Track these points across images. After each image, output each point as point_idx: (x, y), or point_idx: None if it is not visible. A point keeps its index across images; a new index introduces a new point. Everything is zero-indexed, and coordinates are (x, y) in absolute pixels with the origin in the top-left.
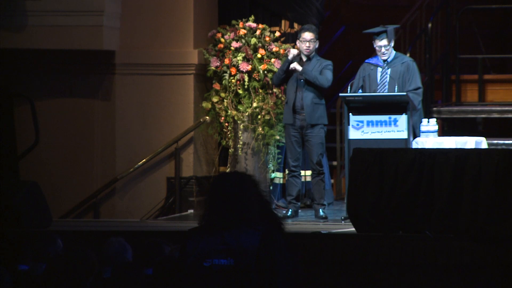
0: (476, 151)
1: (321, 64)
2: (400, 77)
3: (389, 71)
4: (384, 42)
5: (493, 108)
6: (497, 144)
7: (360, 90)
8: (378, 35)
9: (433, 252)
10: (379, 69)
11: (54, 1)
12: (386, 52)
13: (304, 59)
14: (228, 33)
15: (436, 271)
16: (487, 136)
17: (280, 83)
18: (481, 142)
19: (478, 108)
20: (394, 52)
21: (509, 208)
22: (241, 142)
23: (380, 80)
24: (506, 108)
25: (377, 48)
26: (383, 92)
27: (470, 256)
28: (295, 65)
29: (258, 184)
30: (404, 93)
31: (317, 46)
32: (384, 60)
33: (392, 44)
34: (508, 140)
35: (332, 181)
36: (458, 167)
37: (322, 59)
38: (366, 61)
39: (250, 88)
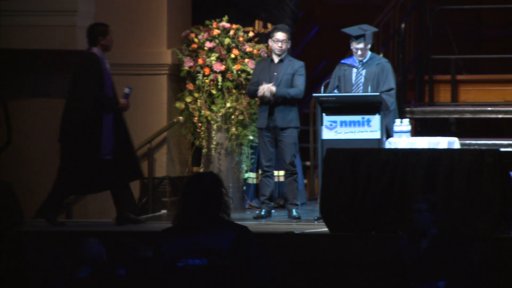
0: (448, 151)
1: (293, 66)
2: (374, 78)
3: (364, 71)
4: (361, 45)
5: (466, 109)
6: (469, 144)
7: (335, 90)
8: (356, 38)
9: None
10: (354, 70)
11: (27, 1)
12: (361, 54)
13: (276, 59)
14: (202, 33)
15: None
16: (459, 136)
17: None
18: (454, 142)
19: (451, 109)
20: (369, 53)
21: (481, 207)
22: (214, 142)
23: (354, 80)
24: (479, 109)
25: (353, 50)
26: (357, 92)
27: None
28: (266, 94)
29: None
30: (378, 94)
31: (289, 46)
32: (360, 61)
33: (369, 46)
34: (481, 140)
35: (305, 181)
36: (431, 167)
37: (294, 60)
38: (342, 61)
39: (224, 88)
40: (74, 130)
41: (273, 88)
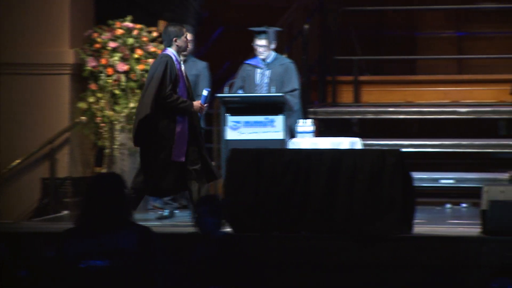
0: (351, 152)
1: (196, 67)
2: (278, 79)
3: (268, 72)
4: (263, 42)
5: (368, 109)
6: (371, 145)
7: (240, 91)
8: (258, 34)
9: (309, 252)
10: (258, 70)
11: None
12: (263, 52)
13: (181, 59)
14: (105, 33)
15: (312, 270)
16: (362, 136)
17: None
18: (356, 143)
19: (353, 109)
20: (274, 53)
21: (383, 207)
22: (117, 143)
23: (259, 81)
24: (381, 109)
25: (255, 47)
26: (261, 93)
27: (345, 255)
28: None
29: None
30: (281, 94)
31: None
32: (263, 60)
33: (273, 46)
34: (383, 140)
35: None
36: (333, 168)
37: (198, 60)
38: (246, 61)
39: (127, 89)
40: (146, 132)
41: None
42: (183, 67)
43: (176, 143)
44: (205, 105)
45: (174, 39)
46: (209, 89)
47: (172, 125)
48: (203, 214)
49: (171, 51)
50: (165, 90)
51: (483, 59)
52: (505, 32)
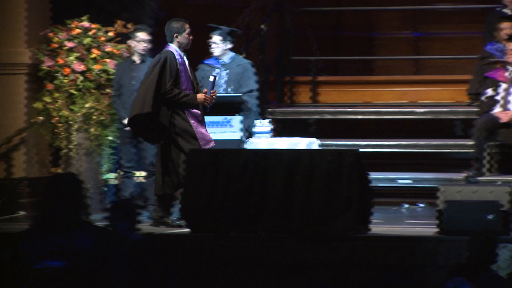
0: (308, 152)
1: None
2: (236, 79)
3: (225, 72)
4: (215, 38)
5: (325, 109)
6: (329, 145)
7: None
8: (213, 31)
9: (266, 252)
10: (216, 71)
11: None
12: (215, 49)
13: (137, 59)
14: (62, 33)
15: (269, 270)
16: (319, 137)
17: None
18: (313, 143)
19: (311, 109)
20: (231, 54)
21: (339, 207)
22: (74, 143)
23: (216, 81)
24: (338, 110)
25: (210, 46)
26: (219, 93)
27: (302, 255)
28: None
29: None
30: (239, 95)
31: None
32: (218, 58)
33: (228, 46)
34: (340, 141)
35: None
36: (291, 168)
37: None
38: (203, 62)
39: (84, 89)
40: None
41: None
42: (187, 62)
43: (197, 131)
44: (213, 92)
45: (175, 35)
46: (215, 75)
47: (185, 117)
48: (116, 218)
49: (173, 47)
50: (165, 85)
51: (440, 60)
52: (461, 33)
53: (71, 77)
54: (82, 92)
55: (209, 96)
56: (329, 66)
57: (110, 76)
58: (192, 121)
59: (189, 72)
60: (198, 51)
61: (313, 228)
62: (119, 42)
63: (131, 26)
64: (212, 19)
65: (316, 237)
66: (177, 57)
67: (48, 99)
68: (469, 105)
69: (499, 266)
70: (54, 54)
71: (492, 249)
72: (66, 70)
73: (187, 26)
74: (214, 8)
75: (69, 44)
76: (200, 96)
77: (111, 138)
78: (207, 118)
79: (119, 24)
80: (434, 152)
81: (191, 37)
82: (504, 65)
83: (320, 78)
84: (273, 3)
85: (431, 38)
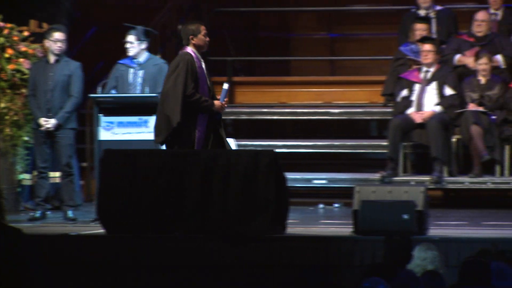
0: (225, 152)
1: (69, 67)
2: (152, 79)
3: (141, 72)
4: (130, 38)
5: (242, 110)
6: (246, 145)
7: (113, 91)
8: (128, 30)
9: (183, 253)
10: (131, 70)
11: None
12: (130, 48)
13: (52, 59)
14: None
15: (186, 271)
16: (236, 137)
17: None
18: (230, 143)
19: (227, 110)
20: (147, 54)
21: (256, 207)
22: None
23: (132, 81)
24: (255, 110)
25: (125, 42)
26: (135, 93)
27: (219, 256)
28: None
29: None
30: (155, 95)
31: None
32: (134, 58)
33: (143, 46)
34: (257, 141)
35: (82, 182)
36: (208, 168)
37: (71, 60)
38: (119, 61)
39: None
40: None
41: (52, 122)
42: (203, 65)
43: (196, 142)
44: (226, 100)
45: (191, 37)
46: (228, 83)
47: (193, 131)
48: None
49: (190, 49)
50: (188, 88)
51: (355, 61)
52: (377, 34)
53: None
54: None
55: (225, 105)
56: (246, 66)
57: (24, 76)
58: (198, 135)
59: (206, 76)
60: (113, 51)
61: (230, 228)
62: (33, 42)
63: (45, 25)
64: (127, 19)
65: (233, 237)
66: (195, 60)
67: None
68: (384, 105)
69: (415, 265)
70: None
71: (408, 248)
72: None
73: (202, 27)
74: (131, 7)
75: None
76: (217, 103)
77: (26, 138)
78: (123, 119)
79: (33, 23)
80: (349, 153)
81: (207, 39)
82: (419, 66)
83: (237, 79)
84: (189, 3)
85: (347, 39)
